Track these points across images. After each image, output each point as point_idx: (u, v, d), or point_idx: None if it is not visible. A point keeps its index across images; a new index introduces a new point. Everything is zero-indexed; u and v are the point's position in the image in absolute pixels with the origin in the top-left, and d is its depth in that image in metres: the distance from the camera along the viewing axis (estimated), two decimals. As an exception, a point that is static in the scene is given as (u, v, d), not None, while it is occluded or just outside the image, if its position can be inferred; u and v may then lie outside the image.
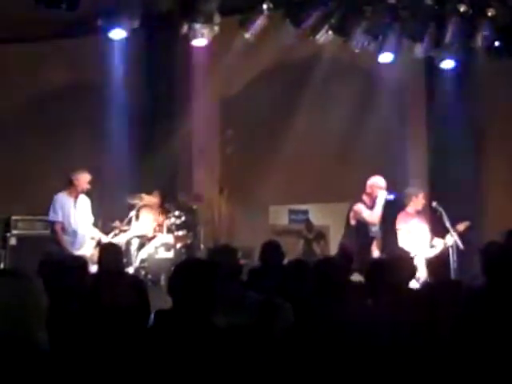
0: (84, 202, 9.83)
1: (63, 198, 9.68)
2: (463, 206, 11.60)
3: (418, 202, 10.31)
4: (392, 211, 10.40)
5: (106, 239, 10.03)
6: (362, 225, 9.82)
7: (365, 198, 9.89)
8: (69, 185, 9.75)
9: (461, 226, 10.20)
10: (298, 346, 3.90)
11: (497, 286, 4.48)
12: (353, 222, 9.87)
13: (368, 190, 9.94)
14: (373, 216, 9.78)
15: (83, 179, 9.71)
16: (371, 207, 9.85)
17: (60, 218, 9.61)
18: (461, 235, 10.13)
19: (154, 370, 3.53)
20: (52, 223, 9.70)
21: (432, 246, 10.17)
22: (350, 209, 9.92)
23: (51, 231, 9.80)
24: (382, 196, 9.83)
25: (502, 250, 5.36)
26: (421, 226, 10.31)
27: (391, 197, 10.09)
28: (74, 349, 3.56)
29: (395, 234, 10.25)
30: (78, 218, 9.72)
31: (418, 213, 10.36)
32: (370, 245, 9.87)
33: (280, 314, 3.86)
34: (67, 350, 3.47)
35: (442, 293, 4.12)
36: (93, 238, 9.92)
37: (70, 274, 3.94)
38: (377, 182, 9.95)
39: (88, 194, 9.87)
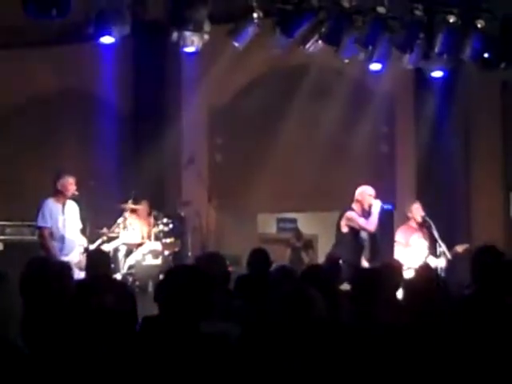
0: (72, 207, 9.79)
1: (51, 204, 9.64)
2: (452, 213, 11.67)
3: (416, 213, 10.28)
4: (387, 221, 10.40)
5: (92, 246, 9.99)
6: (354, 232, 9.79)
7: (355, 206, 9.86)
8: (55, 190, 9.70)
9: (460, 248, 10.18)
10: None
11: (486, 293, 4.50)
12: (345, 230, 9.81)
13: (358, 197, 9.90)
14: (369, 224, 9.71)
15: (67, 184, 9.64)
16: (362, 216, 9.82)
17: (48, 224, 9.56)
18: (458, 256, 10.07)
19: (140, 377, 3.52)
20: (40, 229, 9.65)
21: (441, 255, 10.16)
22: (342, 216, 9.86)
23: (39, 237, 9.74)
24: (378, 204, 9.79)
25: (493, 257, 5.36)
26: (420, 241, 10.27)
27: (389, 207, 10.08)
28: (56, 355, 3.55)
29: (390, 244, 10.25)
30: (66, 224, 9.68)
31: (420, 226, 10.31)
32: (360, 253, 9.87)
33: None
34: (48, 357, 3.46)
35: (426, 300, 4.13)
36: (81, 245, 9.89)
37: (53, 279, 3.92)
38: (367, 190, 9.94)
39: (76, 200, 9.84)
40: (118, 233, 10.87)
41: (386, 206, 9.93)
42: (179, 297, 3.69)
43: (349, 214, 9.79)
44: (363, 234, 9.85)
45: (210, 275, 4.72)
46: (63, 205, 9.68)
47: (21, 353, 3.03)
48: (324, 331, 3.84)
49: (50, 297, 3.90)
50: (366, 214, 9.82)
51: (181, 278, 3.81)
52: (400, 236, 10.30)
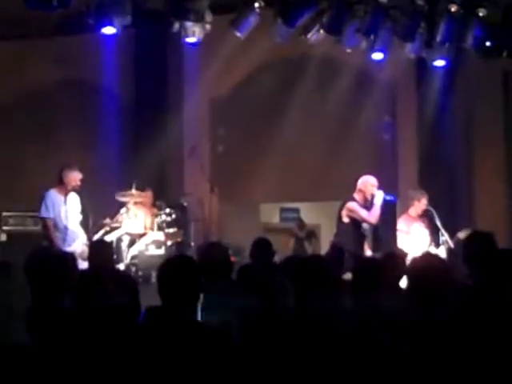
0: (74, 199, 9.83)
1: (54, 195, 9.68)
2: (454, 202, 11.69)
3: (419, 206, 10.27)
4: (389, 211, 10.37)
5: (95, 237, 10.01)
6: (356, 223, 9.74)
7: (356, 195, 9.80)
8: (59, 182, 9.73)
9: (462, 234, 10.16)
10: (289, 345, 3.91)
11: (486, 284, 4.50)
12: (346, 220, 9.76)
13: (361, 187, 9.83)
14: (371, 216, 9.63)
15: (73, 177, 9.69)
16: (364, 205, 9.77)
17: (51, 215, 9.61)
18: (460, 243, 10.07)
19: (144, 367, 3.54)
20: (43, 220, 9.70)
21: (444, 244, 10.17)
22: (343, 206, 9.80)
23: (42, 227, 9.80)
24: (380, 196, 9.72)
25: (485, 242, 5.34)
26: (421, 230, 10.28)
27: (391, 198, 10.03)
28: (61, 346, 3.56)
29: (394, 234, 10.24)
30: (68, 215, 9.72)
31: (420, 217, 10.32)
32: (362, 243, 9.84)
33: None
34: (53, 348, 3.47)
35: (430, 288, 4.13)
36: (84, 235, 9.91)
37: (57, 269, 3.93)
38: (369, 180, 9.87)
39: (79, 191, 9.86)
40: (121, 222, 10.88)
41: (388, 197, 9.87)
42: (180, 287, 3.71)
43: (350, 204, 9.71)
44: (365, 224, 9.82)
45: (213, 265, 4.74)
46: (65, 196, 9.71)
47: (24, 347, 3.04)
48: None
49: (53, 287, 3.91)
50: (368, 203, 9.78)
51: (181, 268, 3.83)
52: (402, 224, 10.31)
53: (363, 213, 9.65)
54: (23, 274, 3.33)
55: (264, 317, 4.30)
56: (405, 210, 10.55)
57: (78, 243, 9.66)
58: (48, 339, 3.45)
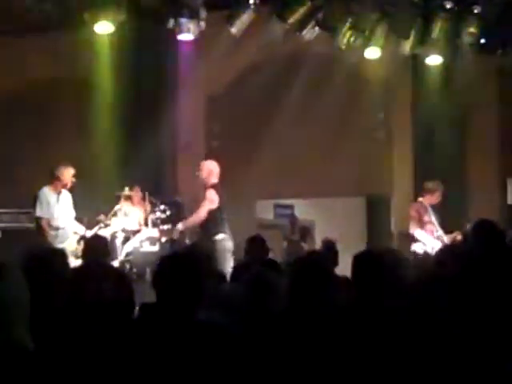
0: (66, 196, 9.83)
1: (47, 193, 9.68)
2: (449, 200, 11.71)
3: (432, 198, 10.46)
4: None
5: (89, 233, 10.01)
6: None
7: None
8: (53, 179, 9.73)
9: (458, 236, 10.31)
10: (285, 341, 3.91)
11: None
12: None
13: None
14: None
15: (67, 174, 9.71)
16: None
17: (46, 214, 9.61)
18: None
19: (139, 364, 3.53)
20: (38, 219, 9.68)
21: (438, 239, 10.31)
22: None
23: (37, 226, 9.78)
24: None
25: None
26: (431, 218, 10.42)
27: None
28: (59, 344, 3.56)
29: None
30: (61, 213, 9.72)
31: (433, 207, 10.48)
32: None
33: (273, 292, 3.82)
34: (52, 347, 3.47)
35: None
36: (75, 233, 9.91)
37: (51, 266, 3.93)
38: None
39: (73, 187, 9.86)
40: (115, 219, 10.88)
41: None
42: (176, 284, 3.71)
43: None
44: None
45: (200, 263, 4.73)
46: (58, 194, 9.71)
47: (22, 348, 3.03)
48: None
49: (46, 285, 3.90)
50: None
51: (178, 264, 3.83)
52: (414, 212, 10.44)
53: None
54: (18, 272, 3.32)
55: (258, 314, 4.30)
56: (399, 206, 10.63)
57: (70, 241, 9.67)
58: (44, 338, 3.45)
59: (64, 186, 9.72)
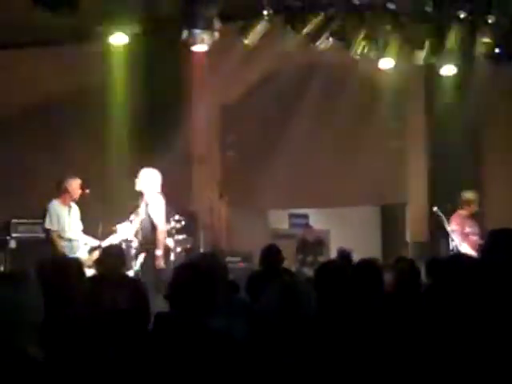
0: (75, 209, 9.88)
1: (57, 207, 9.71)
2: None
3: (471, 208, 10.49)
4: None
5: (104, 243, 9.99)
6: None
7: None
8: (61, 192, 9.75)
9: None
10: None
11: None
12: None
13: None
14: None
15: (75, 185, 9.75)
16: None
17: (55, 227, 9.63)
18: None
19: (154, 374, 3.54)
20: (48, 231, 9.71)
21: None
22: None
23: (47, 238, 9.79)
24: None
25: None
26: (473, 229, 10.46)
27: None
28: (74, 353, 3.57)
29: None
30: (72, 226, 9.77)
31: (472, 216, 10.55)
32: None
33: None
34: (66, 356, 3.48)
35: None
36: (86, 244, 9.93)
37: (66, 275, 3.95)
38: None
39: (85, 198, 9.90)
40: (129, 229, 10.90)
41: None
42: (184, 294, 3.73)
43: None
44: None
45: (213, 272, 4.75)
46: (69, 206, 9.76)
47: (31, 359, 3.04)
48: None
49: (62, 294, 3.92)
50: None
51: (186, 275, 3.84)
52: (453, 224, 10.46)
53: None
54: (35, 282, 3.33)
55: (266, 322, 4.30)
56: (415, 214, 10.61)
57: (81, 252, 9.70)
58: (58, 348, 3.46)
59: (72, 198, 9.76)
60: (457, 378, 3.75)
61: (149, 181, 9.74)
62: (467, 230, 10.37)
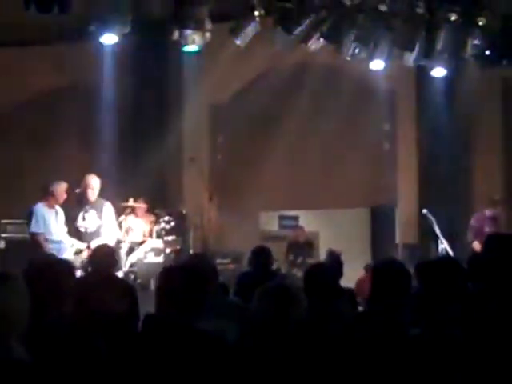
0: (60, 212, 9.84)
1: (43, 210, 9.64)
2: (454, 211, 11.74)
3: (496, 210, 10.88)
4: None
5: (82, 245, 9.91)
6: None
7: None
8: (46, 195, 9.69)
9: (477, 246, 10.42)
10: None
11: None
12: None
13: None
14: None
15: (61, 189, 9.70)
16: None
17: (41, 230, 9.57)
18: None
19: (143, 374, 3.53)
20: (34, 234, 9.63)
21: None
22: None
23: (33, 241, 9.69)
24: None
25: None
26: (491, 230, 10.54)
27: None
28: (62, 354, 3.55)
29: None
30: (58, 228, 9.72)
31: (495, 218, 10.83)
32: None
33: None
34: (54, 357, 3.46)
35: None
36: (72, 246, 9.88)
37: (55, 276, 3.93)
38: None
39: (72, 200, 9.88)
40: (120, 231, 10.88)
41: None
42: (174, 295, 3.71)
43: None
44: None
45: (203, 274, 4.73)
46: (55, 210, 9.72)
47: (17, 360, 3.02)
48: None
49: (50, 294, 3.90)
50: None
51: (176, 277, 3.83)
52: (474, 222, 10.77)
53: None
54: (23, 283, 3.31)
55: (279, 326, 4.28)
56: (404, 216, 10.63)
57: (67, 254, 9.65)
58: (46, 349, 3.44)
59: (58, 202, 9.71)
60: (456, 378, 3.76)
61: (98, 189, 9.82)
62: (486, 229, 10.50)
